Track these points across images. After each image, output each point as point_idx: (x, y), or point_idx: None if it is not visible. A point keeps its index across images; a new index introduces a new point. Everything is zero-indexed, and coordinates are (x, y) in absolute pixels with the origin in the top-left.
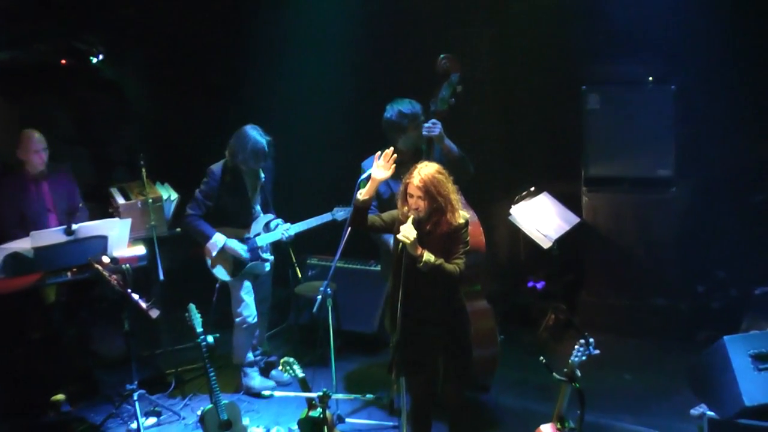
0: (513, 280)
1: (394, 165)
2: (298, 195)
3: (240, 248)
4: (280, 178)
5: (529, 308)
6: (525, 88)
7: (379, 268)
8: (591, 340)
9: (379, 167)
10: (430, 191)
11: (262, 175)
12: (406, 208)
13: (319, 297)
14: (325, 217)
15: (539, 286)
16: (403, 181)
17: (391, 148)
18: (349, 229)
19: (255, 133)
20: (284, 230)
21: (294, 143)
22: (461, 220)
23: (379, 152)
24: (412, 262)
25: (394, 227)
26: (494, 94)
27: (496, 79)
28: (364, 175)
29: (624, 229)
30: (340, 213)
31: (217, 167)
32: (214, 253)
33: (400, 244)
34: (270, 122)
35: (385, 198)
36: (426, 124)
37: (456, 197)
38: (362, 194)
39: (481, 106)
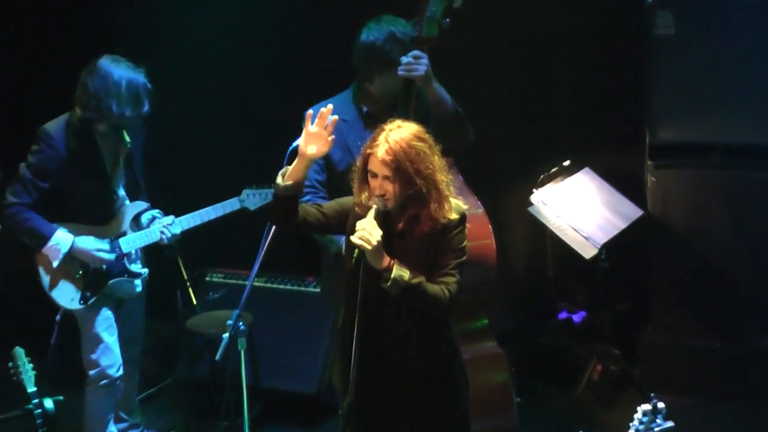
0: (536, 308)
1: (333, 137)
2: (187, 170)
3: (98, 248)
4: (155, 146)
5: (561, 354)
6: (556, 5)
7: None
8: (660, 404)
9: (311, 136)
10: (404, 169)
11: (128, 140)
12: (365, 194)
13: (226, 336)
14: (231, 205)
15: (577, 318)
16: (362, 152)
17: (330, 106)
18: (273, 227)
19: (124, 67)
20: (164, 226)
21: (180, 88)
22: (454, 215)
23: (310, 111)
24: (375, 281)
25: (346, 224)
26: (509, 16)
27: None
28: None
29: (713, 227)
30: (255, 198)
31: (55, 128)
32: (55, 263)
33: (356, 251)
34: (139, 57)
35: (341, 170)
36: (405, 58)
37: (445, 178)
38: (285, 176)
39: (489, 35)
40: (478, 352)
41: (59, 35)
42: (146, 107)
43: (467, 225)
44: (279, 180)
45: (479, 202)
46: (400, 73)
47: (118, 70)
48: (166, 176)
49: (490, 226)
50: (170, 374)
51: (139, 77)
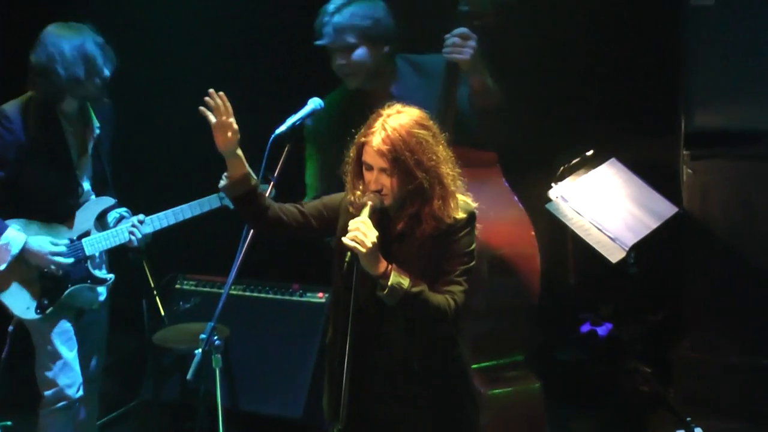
0: (555, 320)
1: (234, 125)
2: (160, 164)
3: (52, 251)
4: (125, 136)
5: (584, 372)
6: None
7: (310, 298)
8: (698, 430)
9: (215, 129)
10: (403, 160)
11: (96, 125)
12: (359, 189)
13: (199, 352)
14: (209, 203)
15: (602, 331)
16: (356, 140)
17: (211, 90)
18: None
19: (66, 30)
20: (133, 226)
21: (154, 73)
22: (461, 214)
23: (202, 108)
24: (369, 289)
25: (331, 225)
26: None
27: None
28: (285, 126)
29: (758, 225)
30: None
31: (13, 108)
32: (3, 265)
33: (348, 254)
34: (116, 44)
35: None
36: (449, 38)
37: (451, 171)
38: (228, 175)
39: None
40: (511, 392)
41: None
42: (104, 67)
43: (477, 225)
44: (222, 182)
45: (518, 202)
46: (444, 55)
47: (60, 32)
48: (136, 169)
49: (533, 234)
50: (135, 396)
51: (85, 34)
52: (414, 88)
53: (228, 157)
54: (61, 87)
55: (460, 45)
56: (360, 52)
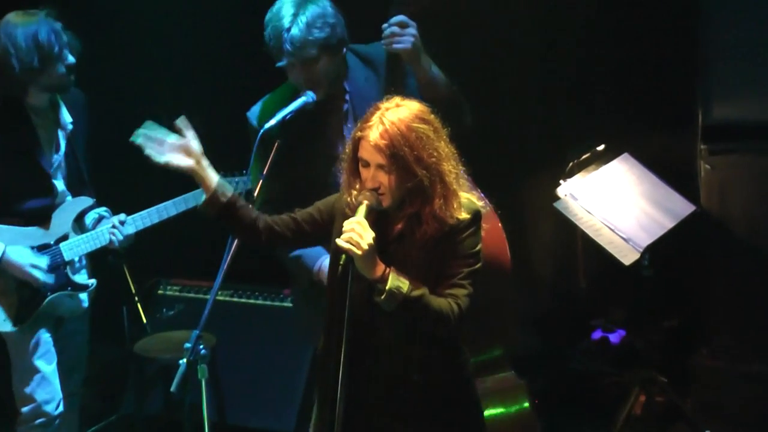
0: (565, 326)
1: (195, 143)
2: (143, 159)
3: (32, 263)
4: (101, 131)
5: (596, 382)
6: None
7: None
8: None
9: (175, 149)
10: (401, 156)
11: (69, 119)
12: (356, 188)
13: (183, 362)
14: (195, 198)
15: (615, 338)
16: (352, 136)
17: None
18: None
19: (20, 18)
20: (113, 227)
21: (134, 62)
22: (464, 214)
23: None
24: (366, 293)
25: (327, 231)
26: None
27: None
28: (275, 120)
29: None
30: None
31: None
32: None
33: (343, 256)
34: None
35: None
36: (387, 28)
37: (454, 168)
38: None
39: None
40: (490, 385)
41: None
42: (65, 54)
43: (483, 225)
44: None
45: (485, 201)
46: (384, 46)
47: (14, 21)
48: (115, 166)
49: (500, 226)
50: (116, 409)
51: (39, 20)
52: (364, 81)
53: (196, 177)
54: (19, 79)
55: (399, 34)
56: (324, 63)
